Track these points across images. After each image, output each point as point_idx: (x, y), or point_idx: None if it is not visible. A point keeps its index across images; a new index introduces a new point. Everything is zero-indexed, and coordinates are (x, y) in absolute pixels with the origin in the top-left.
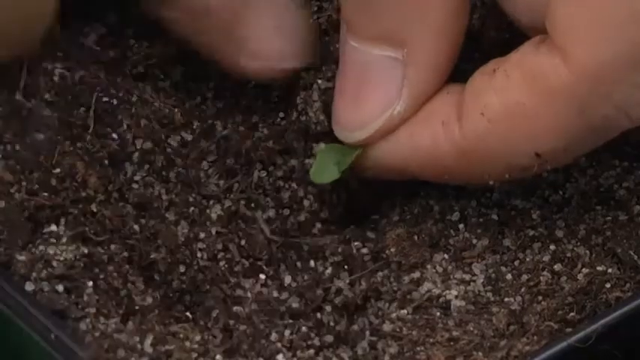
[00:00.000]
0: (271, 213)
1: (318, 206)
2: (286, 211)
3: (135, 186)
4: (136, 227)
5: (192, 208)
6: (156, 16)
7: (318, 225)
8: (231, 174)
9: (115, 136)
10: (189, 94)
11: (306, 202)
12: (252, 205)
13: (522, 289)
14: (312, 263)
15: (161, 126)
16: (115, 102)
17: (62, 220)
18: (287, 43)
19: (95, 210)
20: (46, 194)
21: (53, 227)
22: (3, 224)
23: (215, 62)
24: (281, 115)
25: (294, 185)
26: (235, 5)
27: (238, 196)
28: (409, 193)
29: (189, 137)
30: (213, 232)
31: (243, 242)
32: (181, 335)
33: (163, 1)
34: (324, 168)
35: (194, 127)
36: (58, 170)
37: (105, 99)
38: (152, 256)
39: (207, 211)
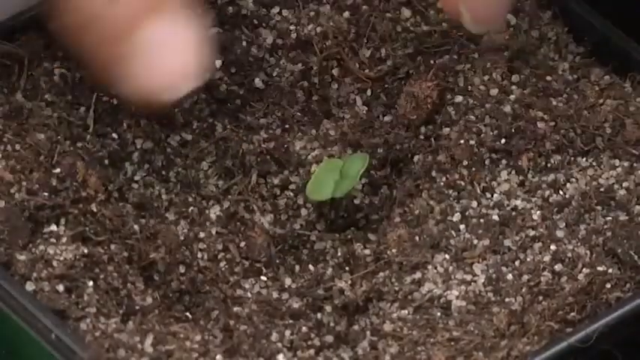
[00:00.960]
0: (269, 218)
1: (315, 216)
2: (287, 213)
3: (135, 186)
4: (136, 227)
5: (191, 208)
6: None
7: (319, 226)
8: (229, 175)
9: (114, 135)
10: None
11: (303, 211)
12: (252, 207)
13: (523, 290)
14: (312, 264)
15: (161, 126)
16: (114, 101)
17: (62, 220)
18: (172, 71)
19: (95, 210)
20: (46, 194)
21: (53, 227)
22: (3, 224)
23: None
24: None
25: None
26: (115, 21)
27: (236, 198)
28: (409, 194)
29: (188, 137)
30: (213, 232)
31: (242, 243)
32: (182, 335)
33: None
34: (322, 186)
35: (194, 127)
36: (58, 170)
37: (105, 98)
38: (152, 256)
39: (207, 211)
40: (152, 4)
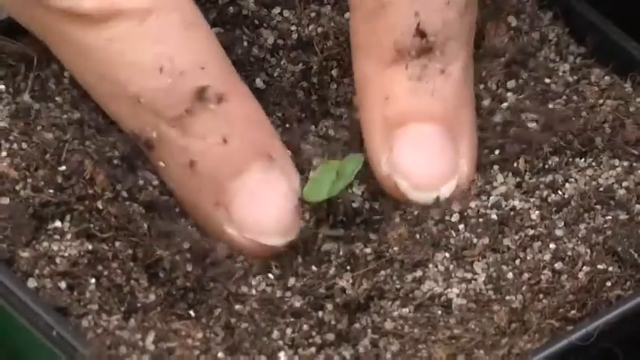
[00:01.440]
0: None
1: (315, 219)
2: None
3: (148, 187)
4: (144, 225)
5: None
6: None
7: (320, 227)
8: None
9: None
10: None
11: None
12: None
13: (523, 288)
14: (315, 263)
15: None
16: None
17: (67, 217)
18: (274, 218)
19: (101, 207)
20: (51, 191)
21: (58, 224)
22: (7, 221)
23: (197, 221)
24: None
25: None
26: (222, 162)
27: None
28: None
29: None
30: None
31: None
32: (183, 332)
33: (150, 146)
34: (318, 187)
35: None
36: (64, 168)
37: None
38: (158, 253)
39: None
40: (260, 148)
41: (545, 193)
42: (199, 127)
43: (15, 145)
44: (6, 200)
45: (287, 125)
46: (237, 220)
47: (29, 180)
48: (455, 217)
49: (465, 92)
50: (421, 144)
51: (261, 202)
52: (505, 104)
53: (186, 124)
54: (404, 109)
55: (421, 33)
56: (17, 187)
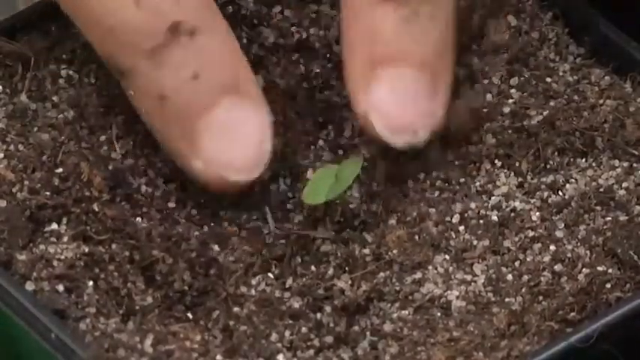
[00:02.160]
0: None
1: (311, 221)
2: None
3: (142, 188)
4: (139, 226)
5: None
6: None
7: (319, 228)
8: None
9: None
10: None
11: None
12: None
13: (523, 290)
14: (313, 265)
15: None
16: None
17: (64, 219)
18: (245, 154)
19: (97, 209)
20: (48, 193)
21: (54, 226)
22: (3, 224)
23: (166, 151)
24: None
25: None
26: (192, 98)
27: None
28: (407, 196)
29: None
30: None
31: (244, 243)
32: (181, 335)
33: (122, 75)
34: (317, 190)
35: None
36: (60, 170)
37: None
38: (154, 254)
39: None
40: (230, 84)
41: (545, 194)
42: (171, 61)
43: (12, 147)
44: (3, 203)
45: (287, 126)
46: (204, 155)
47: (26, 182)
48: (455, 219)
49: (449, 37)
50: (401, 86)
51: (227, 137)
52: (510, 101)
53: (158, 57)
54: (389, 50)
55: None
56: (14, 190)
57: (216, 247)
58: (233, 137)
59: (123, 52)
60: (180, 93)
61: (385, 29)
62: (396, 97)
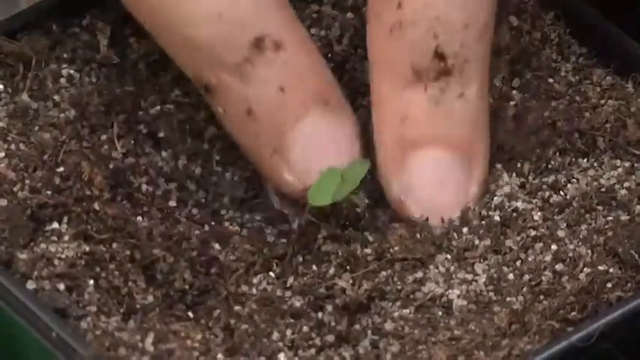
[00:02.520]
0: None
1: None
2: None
3: (143, 187)
4: (140, 225)
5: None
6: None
7: (321, 229)
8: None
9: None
10: (191, 89)
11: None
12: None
13: (524, 289)
14: (315, 264)
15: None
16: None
17: (65, 218)
18: (335, 164)
19: (98, 208)
20: (49, 192)
21: (55, 225)
22: (4, 223)
23: (255, 166)
24: None
25: None
26: (279, 111)
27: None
28: None
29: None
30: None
31: (245, 242)
32: (182, 334)
33: (206, 90)
34: (324, 192)
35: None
36: (62, 169)
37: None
38: (155, 253)
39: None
40: (317, 96)
41: (547, 193)
42: (257, 75)
43: (13, 146)
44: (4, 202)
45: None
46: (295, 167)
47: (27, 181)
48: (457, 219)
49: (482, 116)
50: (436, 170)
51: (318, 148)
52: (512, 102)
53: (244, 72)
54: (421, 132)
55: (440, 55)
56: (15, 189)
57: (217, 246)
58: (323, 148)
59: (206, 66)
60: (267, 107)
61: (416, 112)
62: (432, 182)
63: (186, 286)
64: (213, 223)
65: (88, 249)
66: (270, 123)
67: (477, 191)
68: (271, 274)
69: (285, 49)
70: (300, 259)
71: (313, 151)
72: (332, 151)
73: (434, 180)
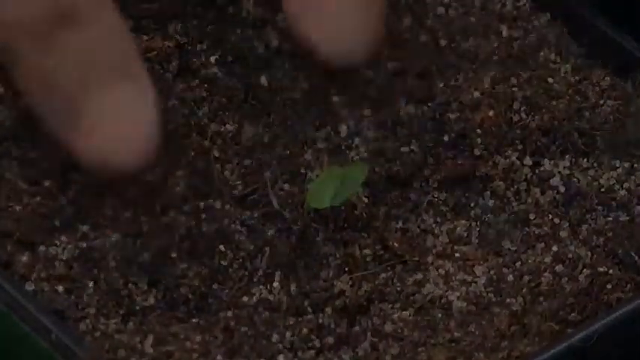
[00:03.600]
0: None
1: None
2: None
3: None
4: (141, 226)
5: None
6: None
7: (321, 230)
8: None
9: None
10: (189, 87)
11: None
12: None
13: (524, 290)
14: (314, 265)
15: None
16: None
17: (65, 220)
18: (126, 140)
19: (97, 209)
20: (54, 196)
21: (56, 224)
22: (11, 227)
23: (57, 141)
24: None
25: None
26: (79, 83)
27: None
28: (406, 198)
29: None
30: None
31: (245, 243)
32: (182, 336)
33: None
34: (321, 194)
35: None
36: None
37: None
38: (156, 255)
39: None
40: (118, 71)
41: (547, 193)
42: (58, 48)
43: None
44: (5, 204)
45: (289, 127)
46: (89, 141)
47: (35, 187)
48: (457, 219)
49: None
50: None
51: (114, 123)
52: (512, 103)
53: (45, 44)
54: None
55: None
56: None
57: (216, 246)
58: (119, 123)
59: (10, 36)
60: (68, 79)
61: None
62: (331, 14)
63: (187, 288)
64: (213, 222)
65: (87, 251)
66: (68, 96)
67: (378, 24)
68: (271, 275)
69: (89, 22)
70: (300, 260)
71: (107, 126)
72: (125, 128)
73: (334, 11)
